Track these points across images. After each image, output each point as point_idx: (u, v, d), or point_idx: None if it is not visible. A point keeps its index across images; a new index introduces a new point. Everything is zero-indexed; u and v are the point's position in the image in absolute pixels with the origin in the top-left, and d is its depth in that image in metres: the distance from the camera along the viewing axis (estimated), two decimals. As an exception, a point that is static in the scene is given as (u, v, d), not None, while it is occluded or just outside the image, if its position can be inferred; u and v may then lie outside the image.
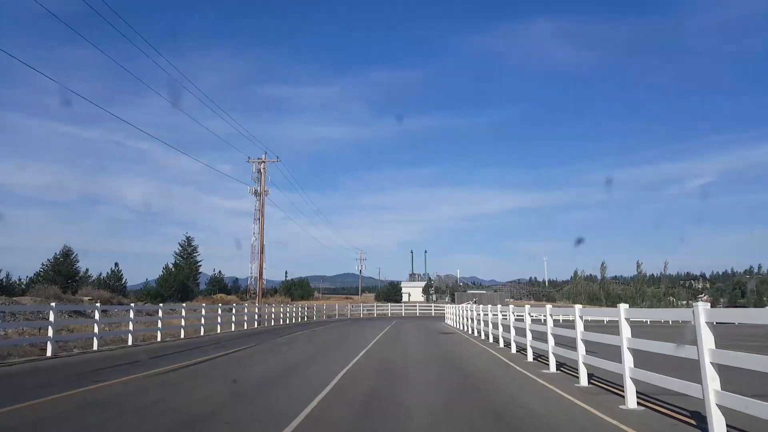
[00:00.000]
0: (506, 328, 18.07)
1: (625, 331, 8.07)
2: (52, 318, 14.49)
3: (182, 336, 21.92)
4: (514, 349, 16.30)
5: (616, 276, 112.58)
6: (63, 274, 37.63)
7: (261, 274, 34.23)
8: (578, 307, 10.41)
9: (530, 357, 14.11)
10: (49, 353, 14.23)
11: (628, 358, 7.99)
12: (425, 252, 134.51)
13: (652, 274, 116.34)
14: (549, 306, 12.55)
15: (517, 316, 17.04)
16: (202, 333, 23.70)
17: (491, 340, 20.09)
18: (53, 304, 15.00)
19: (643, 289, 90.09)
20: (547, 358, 14.17)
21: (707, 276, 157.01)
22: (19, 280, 36.38)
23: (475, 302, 54.37)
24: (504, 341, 18.34)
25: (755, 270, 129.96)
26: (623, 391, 8.55)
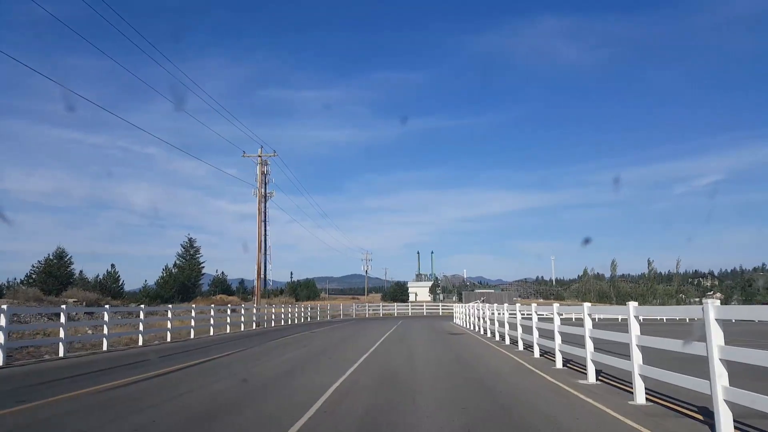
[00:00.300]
0: (526, 329, 15.77)
1: (716, 336, 5.74)
2: (2, 322, 12.28)
3: (168, 339, 19.71)
4: (537, 353, 14.00)
5: (623, 274, 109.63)
6: (55, 276, 35.59)
7: (259, 273, 32.00)
8: (633, 305, 8.07)
9: (559, 363, 11.80)
10: (-1, 362, 12.04)
11: (720, 372, 5.68)
12: (432, 253, 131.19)
13: (660, 272, 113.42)
14: (587, 305, 10.22)
15: (539, 316, 14.71)
16: (192, 336, 21.51)
17: (508, 341, 17.77)
18: (5, 306, 12.77)
19: (654, 287, 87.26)
20: (578, 364, 11.88)
21: (715, 274, 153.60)
22: (8, 282, 34.34)
23: (482, 301, 52.01)
24: (524, 344, 16.03)
25: (767, 267, 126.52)
26: (702, 416, 6.32)
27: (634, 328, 7.96)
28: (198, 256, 58.48)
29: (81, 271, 41.42)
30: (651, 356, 8.01)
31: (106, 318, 16.37)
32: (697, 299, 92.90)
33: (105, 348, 16.04)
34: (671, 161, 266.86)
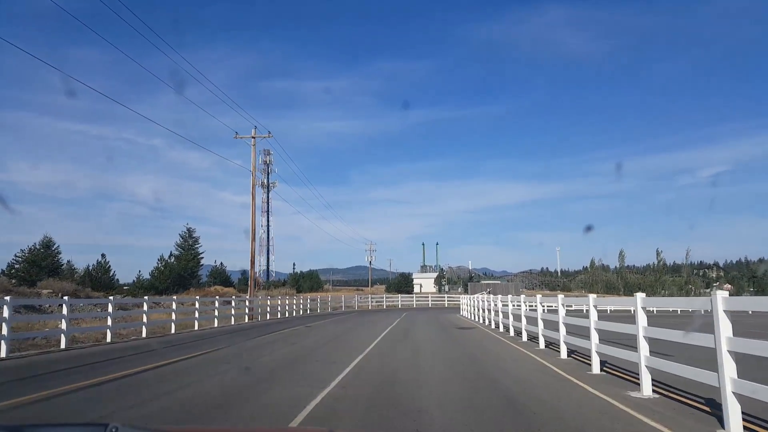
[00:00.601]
0: (549, 324, 13.47)
1: None
2: None
3: (144, 335, 17.50)
4: (563, 354, 11.68)
5: (628, 265, 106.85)
6: (39, 266, 33.42)
7: (253, 262, 29.67)
8: (722, 295, 5.73)
9: (596, 368, 9.50)
10: None
11: None
12: (437, 244, 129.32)
13: (665, 263, 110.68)
14: (641, 295, 7.86)
15: (566, 309, 12.37)
16: (172, 330, 19.28)
17: (525, 338, 15.48)
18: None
19: (663, 278, 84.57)
20: (618, 368, 9.60)
21: (720, 265, 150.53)
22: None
23: (489, 293, 49.72)
24: (545, 341, 13.73)
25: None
26: None
27: (725, 327, 5.62)
28: (197, 246, 56.22)
29: (68, 261, 39.31)
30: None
31: (64, 311, 14.15)
32: (707, 290, 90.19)
33: (63, 346, 13.83)
34: (676, 152, 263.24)
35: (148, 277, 45.57)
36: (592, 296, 9.92)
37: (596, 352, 9.61)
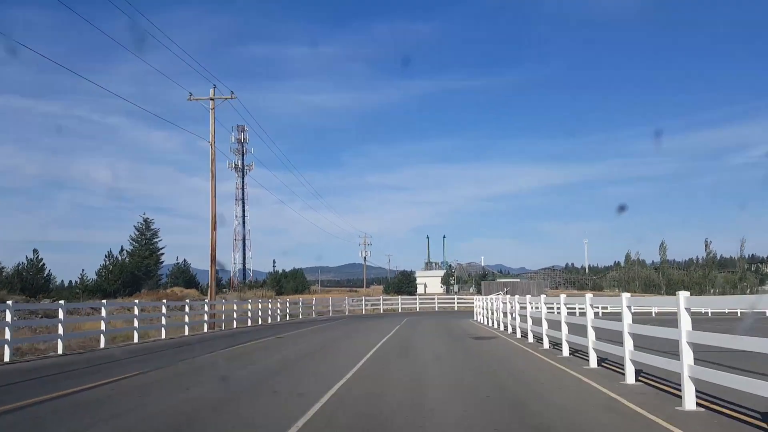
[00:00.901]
0: (602, 334, 11.32)
1: None
2: None
3: (60, 351, 15.34)
4: (630, 377, 9.46)
5: (668, 260, 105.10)
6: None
7: (213, 257, 27.32)
8: None
9: (690, 402, 7.27)
10: None
11: None
12: (443, 237, 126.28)
13: (715, 257, 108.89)
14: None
15: (633, 313, 10.16)
16: (102, 344, 17.11)
17: (566, 352, 13.32)
18: None
19: (713, 275, 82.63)
20: (717, 400, 7.36)
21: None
22: None
23: (506, 293, 47.81)
24: (598, 357, 11.55)
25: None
26: None
27: None
28: (156, 240, 54.11)
29: (-4, 261, 36.81)
30: None
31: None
32: (764, 287, 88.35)
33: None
34: (724, 127, 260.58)
35: (95, 276, 43.44)
36: (683, 294, 7.66)
37: (689, 377, 7.39)
